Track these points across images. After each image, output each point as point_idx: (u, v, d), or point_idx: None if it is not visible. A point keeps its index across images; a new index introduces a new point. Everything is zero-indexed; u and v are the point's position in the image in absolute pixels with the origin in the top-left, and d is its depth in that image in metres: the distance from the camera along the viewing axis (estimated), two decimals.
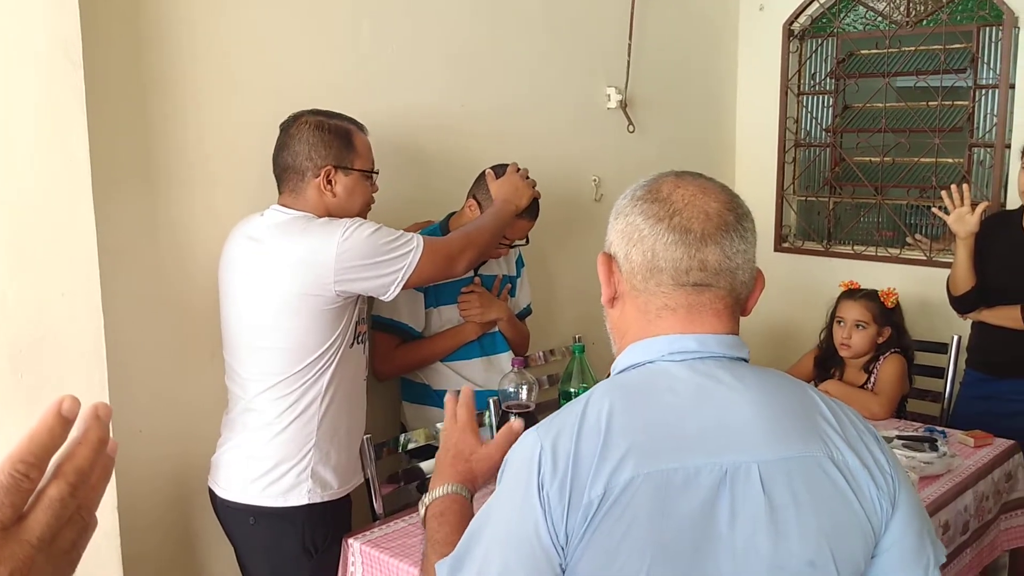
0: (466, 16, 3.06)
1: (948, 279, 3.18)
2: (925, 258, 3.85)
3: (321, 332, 2.16)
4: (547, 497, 1.04)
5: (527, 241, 2.81)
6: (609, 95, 3.61)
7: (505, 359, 2.89)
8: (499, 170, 2.71)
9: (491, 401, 2.70)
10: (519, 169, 2.68)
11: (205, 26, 2.38)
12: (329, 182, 2.18)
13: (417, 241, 2.22)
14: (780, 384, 1.18)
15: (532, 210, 2.73)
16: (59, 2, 1.94)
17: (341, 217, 2.20)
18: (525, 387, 2.24)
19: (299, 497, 2.20)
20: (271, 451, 2.19)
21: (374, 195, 2.34)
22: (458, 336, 2.78)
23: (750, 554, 1.05)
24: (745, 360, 1.18)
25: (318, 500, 2.23)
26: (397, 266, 2.18)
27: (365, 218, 2.28)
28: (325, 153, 2.18)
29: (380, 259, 2.15)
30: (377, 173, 2.31)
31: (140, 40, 2.27)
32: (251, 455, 2.21)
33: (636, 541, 1.03)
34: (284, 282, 2.12)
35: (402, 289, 2.21)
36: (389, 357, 2.73)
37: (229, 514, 2.26)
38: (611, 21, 3.60)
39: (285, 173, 2.21)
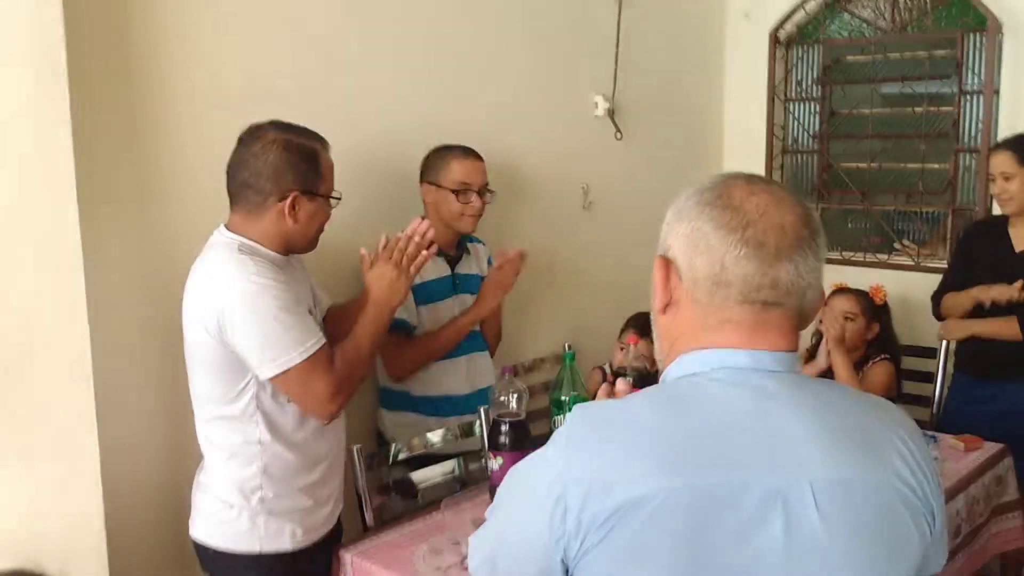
0: (453, 25, 3.06)
1: (937, 301, 3.22)
2: (912, 263, 3.86)
3: (237, 357, 1.99)
4: (567, 507, 1.01)
5: (493, 192, 2.80)
6: (596, 103, 3.61)
7: (484, 357, 2.89)
8: (435, 151, 2.76)
9: (481, 410, 2.69)
10: (395, 252, 2.24)
11: (192, 36, 2.37)
12: (293, 207, 2.03)
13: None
14: (843, 398, 1.13)
15: (464, 151, 2.76)
16: (42, 11, 1.92)
17: (297, 240, 2.08)
18: (515, 395, 2.22)
19: (250, 543, 2.06)
20: (217, 488, 2.08)
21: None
22: (460, 326, 2.74)
23: None
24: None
25: (271, 550, 2.07)
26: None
27: (317, 239, 2.15)
28: (292, 177, 2.02)
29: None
30: (339, 199, 2.16)
31: (127, 50, 2.26)
32: (204, 489, 2.12)
33: (665, 554, 0.99)
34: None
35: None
36: (400, 355, 2.66)
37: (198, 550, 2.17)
38: (598, 29, 3.60)
39: (244, 191, 2.04)
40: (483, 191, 2.77)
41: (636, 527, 0.98)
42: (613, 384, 1.31)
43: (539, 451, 1.10)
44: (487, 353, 2.92)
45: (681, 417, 1.05)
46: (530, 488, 1.07)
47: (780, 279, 1.06)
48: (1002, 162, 3.02)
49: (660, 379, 1.16)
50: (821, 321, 3.19)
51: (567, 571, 1.04)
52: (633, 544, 0.99)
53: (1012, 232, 3.11)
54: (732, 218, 1.07)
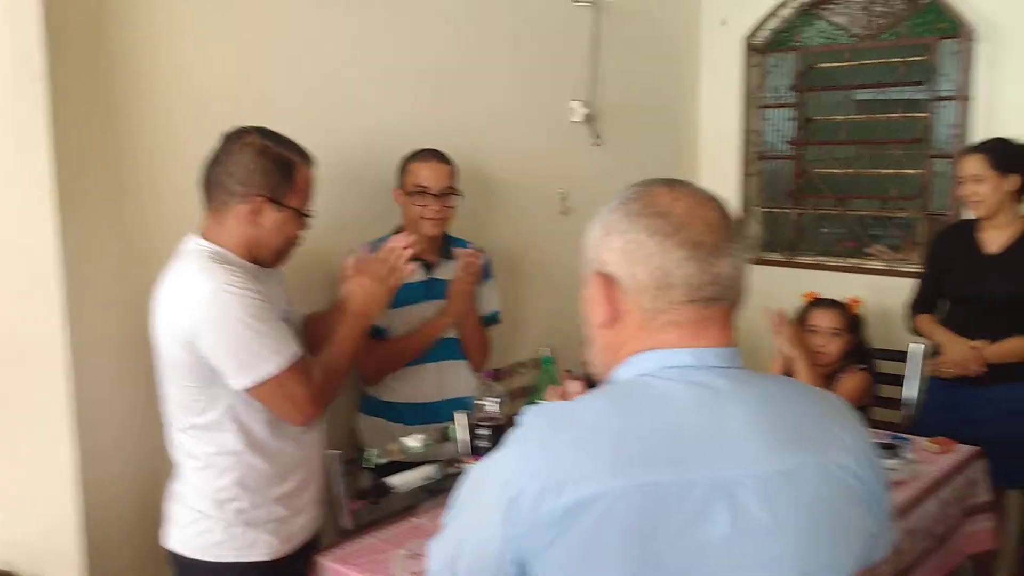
0: (432, 32, 3.06)
1: (913, 311, 3.28)
2: (886, 268, 3.90)
3: (210, 368, 1.95)
4: (520, 507, 1.02)
5: (458, 195, 2.79)
6: (574, 109, 3.63)
7: (460, 367, 2.88)
8: (405, 156, 2.76)
9: (455, 415, 2.69)
10: (375, 264, 2.23)
11: (172, 37, 2.36)
12: (256, 212, 1.99)
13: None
14: (787, 391, 1.16)
15: (425, 154, 2.75)
16: (21, 15, 1.92)
17: (261, 250, 2.03)
18: (495, 400, 2.23)
19: (225, 553, 2.03)
20: (192, 498, 2.05)
21: (302, 233, 2.13)
22: (432, 329, 2.74)
23: (743, 572, 1.03)
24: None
25: (247, 560, 2.04)
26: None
27: (287, 254, 2.11)
28: (261, 182, 1.98)
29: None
30: (310, 216, 2.11)
31: (106, 51, 2.25)
32: (178, 499, 2.09)
33: (617, 553, 1.00)
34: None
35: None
36: (367, 357, 2.63)
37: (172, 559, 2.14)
38: (575, 35, 3.62)
39: (213, 189, 2.01)
40: (443, 194, 2.75)
41: (588, 527, 1.00)
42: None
43: (493, 453, 1.11)
44: (464, 362, 2.91)
45: (632, 416, 1.06)
46: (485, 490, 1.08)
47: (721, 274, 1.10)
48: (973, 165, 3.06)
49: (610, 380, 1.17)
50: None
51: (522, 572, 1.05)
52: (585, 544, 1.00)
53: (982, 235, 3.15)
54: (664, 224, 1.10)
